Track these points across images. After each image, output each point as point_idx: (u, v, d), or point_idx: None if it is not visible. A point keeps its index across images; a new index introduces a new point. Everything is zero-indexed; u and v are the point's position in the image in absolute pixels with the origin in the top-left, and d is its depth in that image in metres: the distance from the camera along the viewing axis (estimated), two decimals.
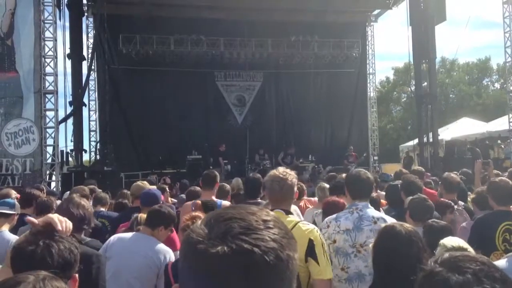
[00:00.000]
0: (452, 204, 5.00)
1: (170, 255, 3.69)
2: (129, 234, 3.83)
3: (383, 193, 5.93)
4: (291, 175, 3.24)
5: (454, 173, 6.36)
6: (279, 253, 0.88)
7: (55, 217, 1.94)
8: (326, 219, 3.69)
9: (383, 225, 3.33)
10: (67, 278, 1.81)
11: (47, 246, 1.80)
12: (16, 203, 4.68)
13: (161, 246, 3.73)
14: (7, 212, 4.45)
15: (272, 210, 3.27)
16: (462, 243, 2.77)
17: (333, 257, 3.37)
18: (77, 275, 1.88)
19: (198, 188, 6.18)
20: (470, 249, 2.68)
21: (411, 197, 4.36)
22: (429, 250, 2.63)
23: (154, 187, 6.15)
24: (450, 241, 2.85)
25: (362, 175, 3.67)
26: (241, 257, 0.85)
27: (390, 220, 3.52)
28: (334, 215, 3.65)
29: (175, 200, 7.82)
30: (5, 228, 4.29)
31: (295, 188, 3.26)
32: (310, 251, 2.97)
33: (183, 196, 7.26)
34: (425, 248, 2.52)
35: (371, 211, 3.54)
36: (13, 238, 4.17)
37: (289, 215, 3.18)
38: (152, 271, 3.58)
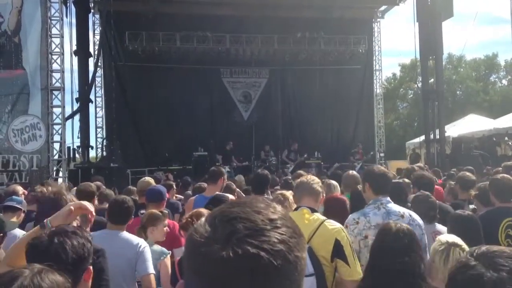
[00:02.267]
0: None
1: (141, 242, 3.65)
2: (94, 234, 3.72)
3: None
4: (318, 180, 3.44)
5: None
6: (287, 255, 0.85)
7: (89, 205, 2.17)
8: (352, 215, 3.67)
9: (406, 221, 3.38)
10: (82, 271, 1.87)
11: (61, 243, 1.84)
12: (23, 200, 4.72)
13: (130, 238, 3.69)
14: (15, 206, 4.49)
15: (298, 207, 3.30)
16: (457, 239, 2.79)
17: (366, 252, 3.34)
18: (91, 267, 1.93)
19: (205, 185, 6.21)
20: (465, 245, 2.70)
21: (414, 194, 4.36)
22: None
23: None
24: (445, 237, 2.88)
25: (383, 171, 3.77)
26: (246, 261, 0.82)
27: (414, 215, 3.58)
28: (360, 211, 3.65)
29: (181, 197, 7.84)
30: None
31: (321, 190, 3.38)
32: (338, 252, 3.02)
33: (189, 192, 7.30)
34: (416, 247, 2.56)
35: (395, 206, 3.61)
36: (20, 233, 4.21)
37: (314, 213, 3.20)
38: (130, 266, 3.55)
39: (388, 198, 3.66)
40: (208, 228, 0.88)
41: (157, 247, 4.03)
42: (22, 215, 4.63)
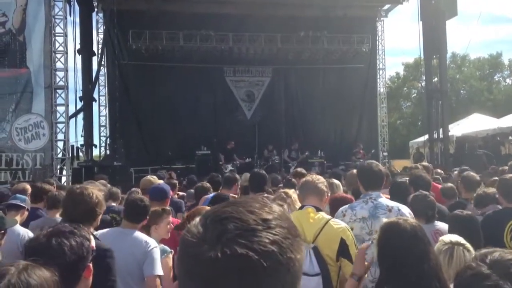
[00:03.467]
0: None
1: (150, 242, 3.66)
2: (108, 231, 3.74)
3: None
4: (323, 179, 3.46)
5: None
6: (279, 256, 0.83)
7: None
8: (342, 208, 3.77)
9: (394, 215, 3.37)
10: (81, 270, 1.88)
11: (59, 244, 1.85)
12: (27, 198, 4.74)
13: (140, 238, 3.70)
14: (19, 204, 4.51)
15: (302, 206, 3.30)
16: (460, 239, 2.77)
17: None
18: (91, 264, 1.94)
19: (207, 184, 6.21)
20: (468, 245, 2.69)
21: (413, 194, 4.35)
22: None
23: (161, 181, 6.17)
24: (449, 237, 2.87)
25: (374, 167, 3.82)
26: (235, 262, 0.80)
27: (404, 209, 3.61)
28: (349, 205, 3.77)
29: (184, 193, 7.85)
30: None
31: (326, 189, 3.39)
32: (343, 251, 3.05)
33: (192, 191, 7.29)
34: (430, 243, 2.52)
35: (385, 200, 3.68)
36: (24, 231, 4.22)
37: (319, 212, 3.21)
38: (138, 266, 3.57)
39: (379, 193, 3.72)
40: (200, 228, 0.87)
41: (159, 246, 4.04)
42: (26, 213, 4.66)
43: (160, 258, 3.67)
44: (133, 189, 7.34)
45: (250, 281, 0.80)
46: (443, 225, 3.89)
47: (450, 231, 3.40)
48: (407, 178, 5.69)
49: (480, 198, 4.57)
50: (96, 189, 3.11)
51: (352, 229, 3.49)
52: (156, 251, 3.63)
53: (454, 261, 2.59)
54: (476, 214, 4.35)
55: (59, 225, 1.99)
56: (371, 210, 3.58)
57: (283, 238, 0.85)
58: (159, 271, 3.58)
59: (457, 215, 3.58)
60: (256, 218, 0.86)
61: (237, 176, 5.83)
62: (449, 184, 6.01)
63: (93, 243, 2.04)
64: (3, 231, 3.41)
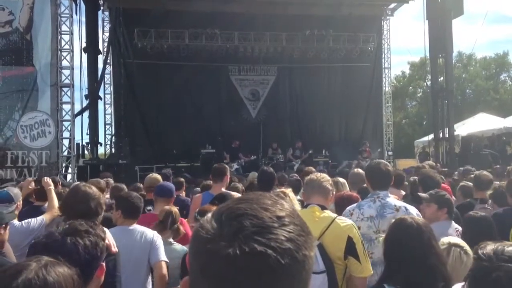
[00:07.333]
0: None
1: (152, 233, 3.75)
2: (111, 231, 3.79)
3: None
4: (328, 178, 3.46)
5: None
6: (295, 253, 0.83)
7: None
8: (349, 207, 3.78)
9: (401, 214, 3.37)
10: (94, 269, 1.88)
11: (74, 244, 1.84)
12: (14, 191, 4.32)
13: (143, 230, 3.76)
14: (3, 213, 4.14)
15: (307, 205, 3.30)
16: (459, 241, 2.79)
17: None
18: (104, 263, 1.94)
19: (210, 182, 6.20)
20: (466, 246, 2.68)
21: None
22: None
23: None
24: (448, 238, 2.87)
25: (382, 167, 3.83)
26: (253, 259, 0.80)
27: (411, 209, 3.63)
28: (357, 204, 3.79)
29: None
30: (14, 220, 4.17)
31: (331, 188, 3.38)
32: (351, 249, 3.03)
33: (198, 189, 7.29)
34: (435, 239, 2.52)
35: (392, 200, 3.70)
36: (24, 223, 4.16)
37: (325, 211, 3.21)
38: (146, 257, 3.64)
39: (387, 192, 3.74)
40: (215, 224, 0.86)
41: (177, 246, 4.09)
42: (20, 204, 4.37)
43: (175, 258, 3.79)
44: (136, 184, 7.37)
45: (267, 278, 0.80)
46: (455, 225, 3.90)
47: (464, 231, 3.43)
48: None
49: (498, 195, 4.56)
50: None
51: (359, 228, 3.50)
52: (159, 238, 3.73)
53: (449, 262, 2.59)
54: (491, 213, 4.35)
55: (75, 223, 1.97)
56: (378, 209, 3.60)
57: (297, 235, 0.85)
58: (165, 257, 3.67)
59: (472, 216, 3.59)
60: (271, 215, 0.85)
61: (226, 166, 5.78)
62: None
63: (108, 241, 2.05)
64: (4, 225, 3.37)
